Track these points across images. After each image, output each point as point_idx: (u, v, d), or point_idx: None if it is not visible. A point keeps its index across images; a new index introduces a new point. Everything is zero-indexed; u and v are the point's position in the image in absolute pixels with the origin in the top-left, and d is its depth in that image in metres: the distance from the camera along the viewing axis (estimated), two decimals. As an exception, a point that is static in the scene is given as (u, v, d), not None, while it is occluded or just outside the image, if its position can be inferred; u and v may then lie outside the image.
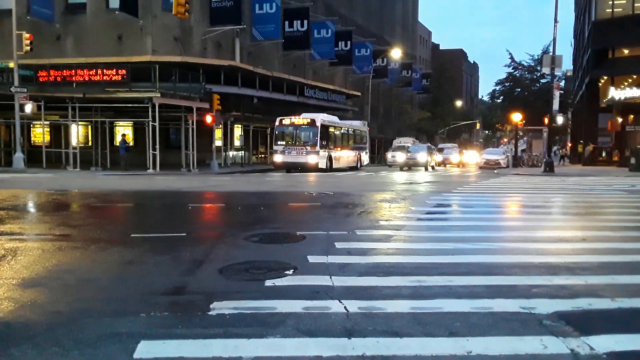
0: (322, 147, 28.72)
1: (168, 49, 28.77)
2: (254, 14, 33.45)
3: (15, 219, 9.07)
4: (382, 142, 53.25)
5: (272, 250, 6.53)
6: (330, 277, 5.05)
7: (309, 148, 28.37)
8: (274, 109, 33.09)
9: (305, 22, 36.30)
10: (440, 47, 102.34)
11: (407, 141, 47.25)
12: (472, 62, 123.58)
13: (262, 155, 37.83)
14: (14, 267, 5.36)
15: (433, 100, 73.76)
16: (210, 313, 4.03)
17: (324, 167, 28.72)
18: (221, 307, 4.13)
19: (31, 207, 11.49)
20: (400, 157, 37.60)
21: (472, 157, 53.24)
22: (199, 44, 30.38)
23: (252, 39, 33.79)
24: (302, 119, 28.95)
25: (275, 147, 29.09)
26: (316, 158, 28.33)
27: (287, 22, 36.00)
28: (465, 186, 18.22)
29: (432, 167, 37.68)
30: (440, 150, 47.34)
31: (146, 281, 5.00)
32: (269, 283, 4.86)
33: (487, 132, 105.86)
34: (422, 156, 35.95)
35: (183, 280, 5.05)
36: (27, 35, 24.80)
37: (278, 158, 28.83)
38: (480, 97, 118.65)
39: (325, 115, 30.97)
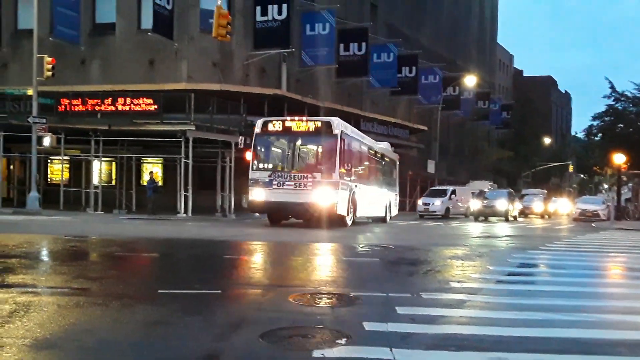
0: (342, 174, 20.23)
1: (205, 75, 29.74)
2: (304, 35, 34.23)
3: (28, 269, 9.41)
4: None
5: (321, 313, 6.52)
6: (391, 350, 4.97)
7: (318, 176, 19.79)
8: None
9: (364, 44, 36.84)
10: (524, 74, 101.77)
11: (483, 185, 46.68)
12: (564, 91, 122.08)
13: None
14: (26, 325, 5.53)
15: (515, 136, 72.95)
16: (248, 388, 4.04)
17: (345, 213, 20.88)
18: (261, 382, 4.14)
19: (46, 255, 11.92)
20: (438, 204, 36.71)
21: (564, 206, 52.14)
22: (240, 70, 31.27)
23: (302, 64, 34.52)
24: (306, 121, 20.93)
25: (253, 175, 20.74)
26: (332, 195, 19.67)
27: (342, 45, 36.62)
28: (556, 242, 17.80)
29: (514, 218, 37.02)
30: (522, 197, 46.51)
31: (174, 346, 5.07)
32: (317, 354, 4.84)
33: (582, 176, 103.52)
34: (501, 204, 35.42)
35: (217, 346, 5.09)
36: (49, 59, 25.62)
37: (258, 194, 20.40)
38: (573, 133, 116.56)
39: (342, 121, 21.91)
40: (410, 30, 49.10)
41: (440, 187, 41.81)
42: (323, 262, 11.97)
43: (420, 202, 38.97)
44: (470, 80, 51.14)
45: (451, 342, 5.32)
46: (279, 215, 21.76)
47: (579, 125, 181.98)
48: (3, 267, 9.11)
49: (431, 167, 49.98)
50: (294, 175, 19.90)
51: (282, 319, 6.10)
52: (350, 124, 36.32)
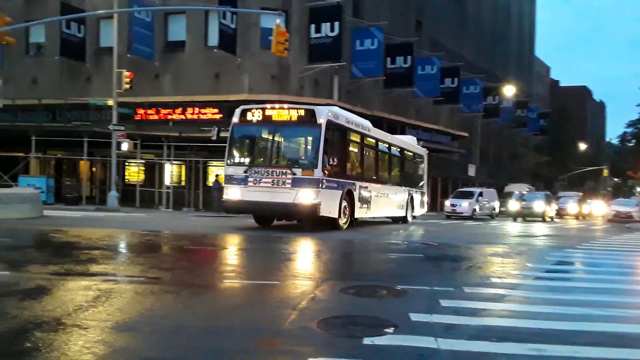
0: (328, 170, 16.44)
1: (264, 87, 30.10)
2: (354, 50, 34.24)
3: (109, 259, 9.69)
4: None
5: (370, 304, 6.51)
6: (436, 339, 4.93)
7: (298, 173, 16.11)
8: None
9: (409, 58, 36.61)
10: (560, 84, 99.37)
11: (521, 188, 45.75)
12: (598, 100, 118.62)
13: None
14: (108, 310, 5.71)
15: (552, 142, 71.22)
16: (305, 370, 4.06)
17: (336, 214, 17.04)
18: (317, 365, 4.15)
19: (124, 248, 12.26)
20: (465, 206, 34.75)
21: (599, 208, 50.76)
22: (296, 82, 31.51)
23: (352, 76, 34.50)
24: (288, 109, 16.84)
25: (228, 170, 17.28)
26: (313, 195, 15.94)
27: (389, 59, 36.48)
28: (592, 242, 17.31)
29: (551, 218, 36.17)
30: (557, 199, 45.43)
31: (238, 330, 5.14)
32: (367, 341, 4.83)
33: (616, 179, 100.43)
34: (538, 205, 34.72)
35: (276, 331, 5.14)
36: (127, 74, 26.62)
37: (233, 193, 16.82)
38: (608, 140, 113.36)
39: (339, 109, 18.74)
40: (453, 44, 48.49)
41: (468, 189, 39.70)
42: (372, 257, 11.93)
43: (447, 203, 36.54)
44: (509, 90, 50.23)
45: (492, 334, 5.24)
46: (260, 216, 18.34)
47: (614, 132, 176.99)
48: (87, 258, 9.41)
49: (472, 171, 49.20)
50: (272, 172, 16.22)
51: (335, 308, 6.13)
52: (396, 131, 35.97)
